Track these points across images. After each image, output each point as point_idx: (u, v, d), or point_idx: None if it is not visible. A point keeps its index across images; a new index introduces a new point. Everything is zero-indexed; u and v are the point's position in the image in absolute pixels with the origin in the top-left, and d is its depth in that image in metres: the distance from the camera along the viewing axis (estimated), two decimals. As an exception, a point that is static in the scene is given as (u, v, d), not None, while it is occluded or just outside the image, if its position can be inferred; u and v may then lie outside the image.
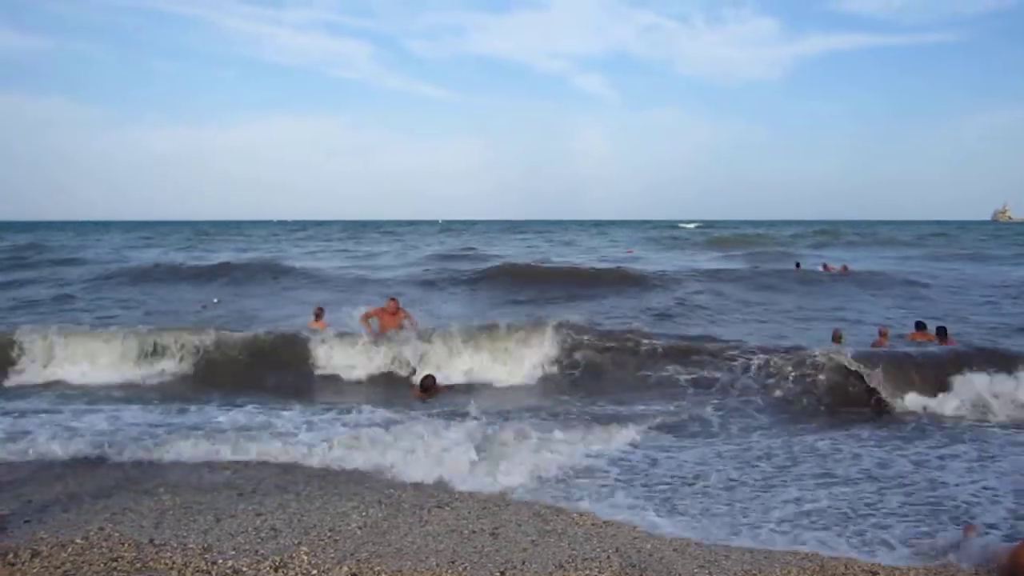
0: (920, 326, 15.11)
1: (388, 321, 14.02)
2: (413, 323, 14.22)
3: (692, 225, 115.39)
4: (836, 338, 14.36)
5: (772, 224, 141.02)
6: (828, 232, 71.64)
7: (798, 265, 27.34)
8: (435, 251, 46.57)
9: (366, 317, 14.10)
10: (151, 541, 5.73)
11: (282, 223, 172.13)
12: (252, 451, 8.30)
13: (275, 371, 13.11)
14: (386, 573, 5.17)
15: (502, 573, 5.17)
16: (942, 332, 14.11)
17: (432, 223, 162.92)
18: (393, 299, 14.70)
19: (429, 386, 11.53)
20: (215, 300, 22.19)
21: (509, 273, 25.36)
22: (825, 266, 27.20)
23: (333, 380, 12.92)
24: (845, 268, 26.43)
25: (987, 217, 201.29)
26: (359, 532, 5.99)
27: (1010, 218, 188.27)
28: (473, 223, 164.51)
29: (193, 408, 10.55)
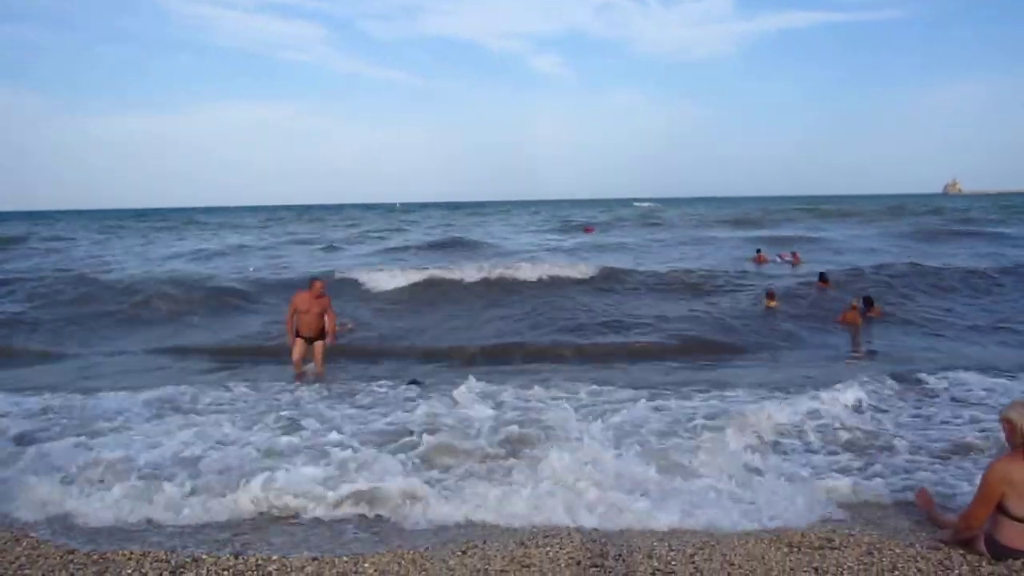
0: (822, 277, 17.70)
1: (310, 307, 11.83)
2: (331, 323, 12.20)
3: (647, 204, 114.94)
4: (770, 297, 15.99)
5: (733, 201, 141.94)
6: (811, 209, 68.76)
7: (759, 251, 27.27)
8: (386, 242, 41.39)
9: (291, 314, 11.97)
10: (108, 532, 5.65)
11: (229, 209, 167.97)
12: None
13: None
14: (347, 556, 5.16)
15: (463, 552, 5.19)
16: (868, 301, 15.32)
17: (390, 206, 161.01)
18: (319, 280, 12.29)
19: None
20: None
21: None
22: (780, 256, 27.03)
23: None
24: (797, 256, 25.99)
25: (938, 190, 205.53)
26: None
27: (960, 191, 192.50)
28: (429, 205, 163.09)
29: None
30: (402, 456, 7.16)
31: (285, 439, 7.74)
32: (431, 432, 7.80)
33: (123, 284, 20.86)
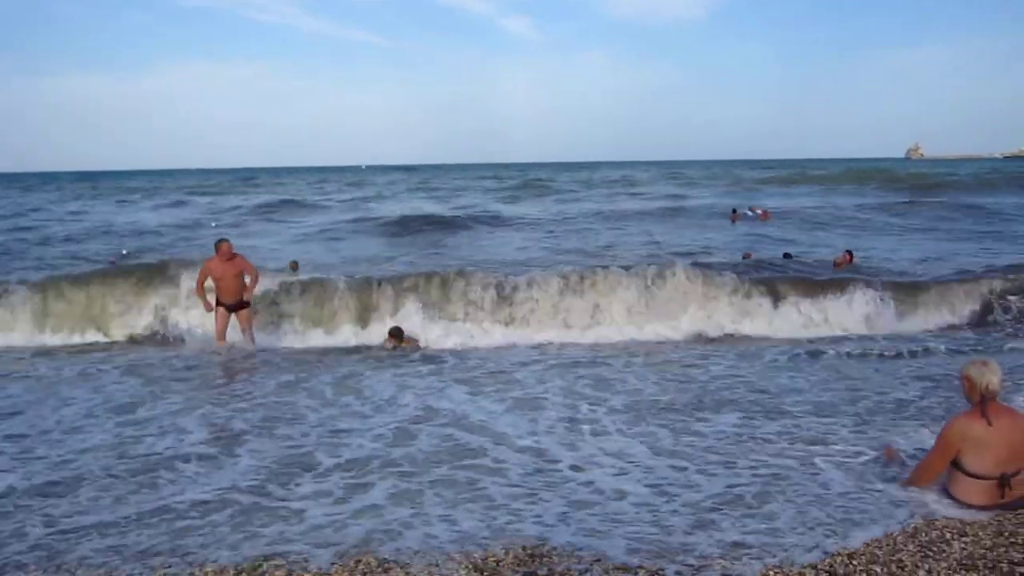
0: (786, 255, 17.33)
1: (224, 271, 10.85)
2: (254, 277, 11.23)
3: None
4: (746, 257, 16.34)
5: (701, 164, 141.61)
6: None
7: (735, 211, 28.67)
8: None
9: (201, 284, 10.96)
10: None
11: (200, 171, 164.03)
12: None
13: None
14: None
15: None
16: (850, 254, 16.28)
17: (356, 168, 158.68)
18: (225, 240, 11.14)
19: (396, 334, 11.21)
20: (124, 252, 21.08)
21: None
22: (751, 209, 28.90)
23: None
24: (767, 213, 27.72)
25: (900, 154, 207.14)
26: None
27: (922, 155, 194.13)
28: (397, 168, 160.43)
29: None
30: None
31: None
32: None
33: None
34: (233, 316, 11.12)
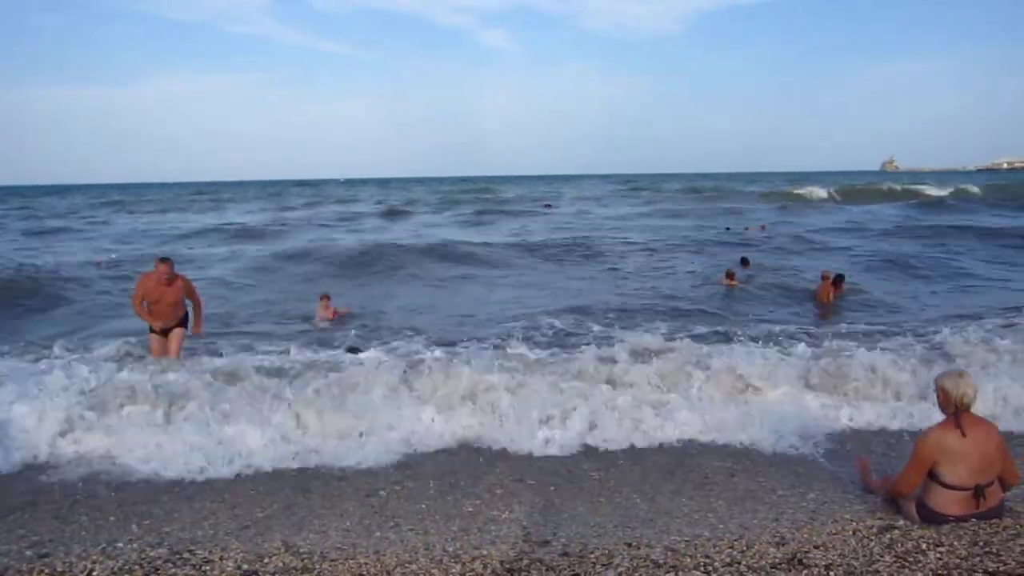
0: (744, 260, 17.54)
1: (162, 295, 9.31)
2: (198, 309, 9.86)
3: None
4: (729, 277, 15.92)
5: (683, 178, 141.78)
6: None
7: (728, 229, 29.47)
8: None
9: (138, 302, 9.39)
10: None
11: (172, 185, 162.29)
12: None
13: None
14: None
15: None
16: (839, 280, 14.87)
17: (334, 181, 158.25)
18: (165, 259, 9.39)
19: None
20: (112, 255, 21.09)
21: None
22: (748, 227, 30.20)
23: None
24: (763, 227, 29.56)
25: (876, 167, 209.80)
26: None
27: (897, 168, 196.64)
28: (376, 181, 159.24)
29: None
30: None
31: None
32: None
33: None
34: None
